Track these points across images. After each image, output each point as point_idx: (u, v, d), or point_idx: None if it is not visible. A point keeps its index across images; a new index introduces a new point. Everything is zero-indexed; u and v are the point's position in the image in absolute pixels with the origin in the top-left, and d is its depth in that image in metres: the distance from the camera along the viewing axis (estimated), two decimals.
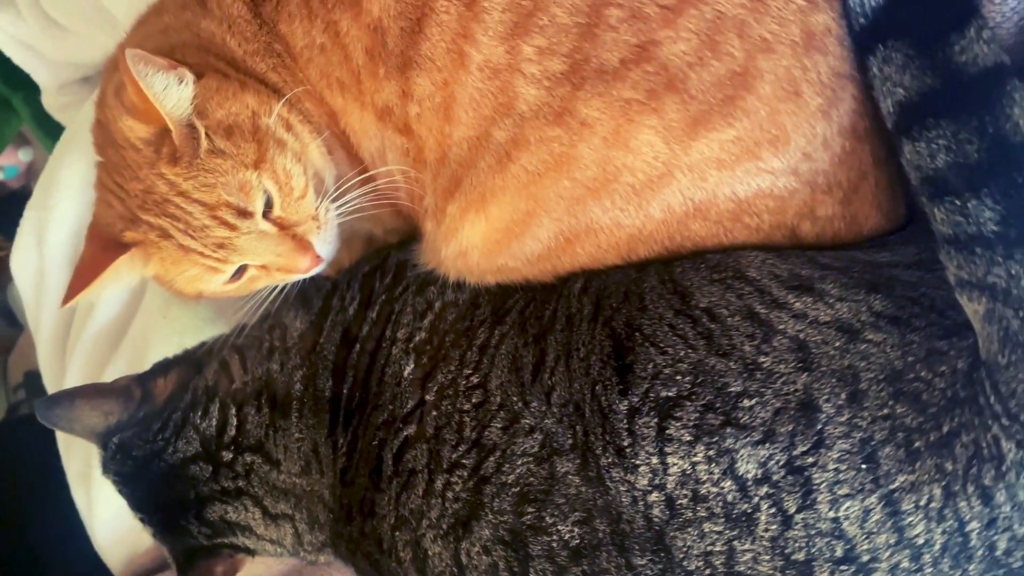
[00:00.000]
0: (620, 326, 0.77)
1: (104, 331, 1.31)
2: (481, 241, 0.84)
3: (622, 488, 0.72)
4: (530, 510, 0.76)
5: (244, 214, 0.85)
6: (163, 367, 0.98)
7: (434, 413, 0.85)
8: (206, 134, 0.84)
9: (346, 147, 0.93)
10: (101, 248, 0.90)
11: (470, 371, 0.85)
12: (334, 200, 0.91)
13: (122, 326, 1.30)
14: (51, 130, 1.96)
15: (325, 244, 0.91)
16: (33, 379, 2.65)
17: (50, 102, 1.55)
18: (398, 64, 0.81)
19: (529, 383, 0.81)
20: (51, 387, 1.45)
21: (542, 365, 0.81)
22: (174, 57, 0.86)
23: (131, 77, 0.79)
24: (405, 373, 0.87)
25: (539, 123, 0.77)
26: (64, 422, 0.94)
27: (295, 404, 0.92)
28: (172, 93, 0.82)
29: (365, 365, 0.91)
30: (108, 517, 1.31)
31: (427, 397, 0.86)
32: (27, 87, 1.90)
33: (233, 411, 0.91)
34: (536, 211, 0.80)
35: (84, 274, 0.89)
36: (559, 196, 0.79)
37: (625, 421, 0.72)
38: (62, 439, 1.38)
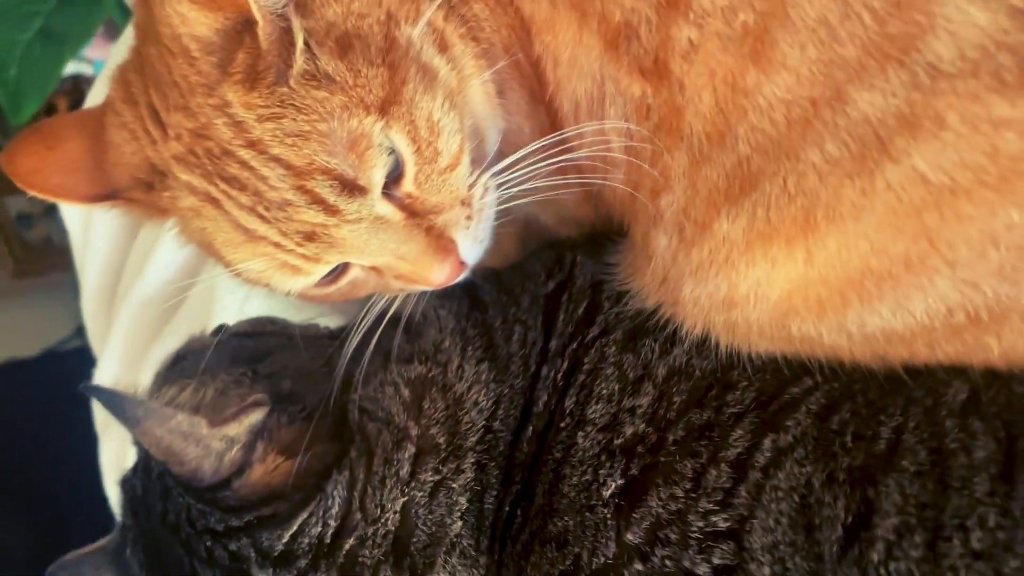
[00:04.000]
0: None
1: (157, 296, 1.00)
2: (782, 292, 0.47)
3: None
4: None
5: (353, 189, 0.51)
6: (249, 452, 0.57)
7: (639, 567, 0.49)
8: (306, 44, 0.49)
9: (528, 86, 0.57)
10: (97, 176, 0.58)
11: (713, 505, 0.49)
12: (499, 172, 0.55)
13: (178, 294, 0.98)
14: None
15: (475, 243, 0.57)
16: None
17: None
18: None
19: (833, 559, 0.44)
20: (96, 346, 1.22)
21: (867, 530, 0.44)
22: None
23: None
24: (605, 493, 0.51)
25: (973, 88, 0.38)
26: None
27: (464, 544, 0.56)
28: None
29: (533, 454, 0.56)
30: None
31: (630, 538, 0.50)
32: None
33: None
34: (928, 260, 0.42)
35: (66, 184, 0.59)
36: (991, 238, 0.40)
37: None
38: (99, 420, 1.10)
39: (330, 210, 0.51)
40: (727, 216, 0.47)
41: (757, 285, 0.47)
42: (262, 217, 0.52)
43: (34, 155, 0.59)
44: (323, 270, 0.55)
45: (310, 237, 0.52)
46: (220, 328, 0.71)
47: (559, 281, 0.62)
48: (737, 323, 0.50)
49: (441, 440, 0.55)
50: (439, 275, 0.55)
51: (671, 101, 0.47)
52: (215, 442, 0.53)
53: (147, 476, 0.59)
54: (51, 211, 2.64)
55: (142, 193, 0.57)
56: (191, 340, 0.67)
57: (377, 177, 0.51)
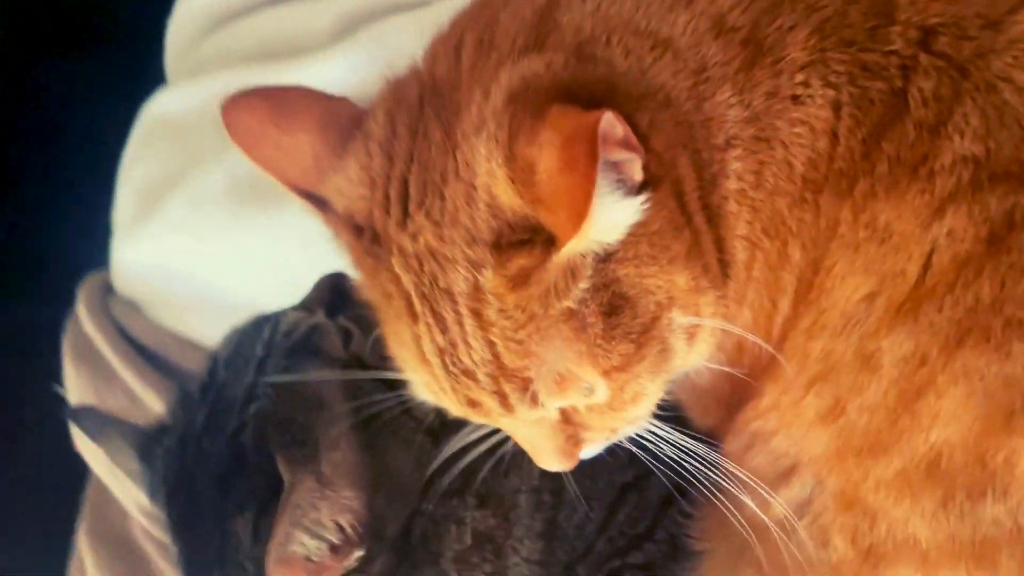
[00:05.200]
0: None
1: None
2: None
3: None
4: None
5: (536, 402, 0.51)
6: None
7: None
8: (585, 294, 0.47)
9: (720, 390, 0.58)
10: (312, 178, 0.55)
11: None
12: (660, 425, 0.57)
13: None
14: None
15: (595, 451, 0.59)
16: None
17: None
18: None
19: None
20: (171, 64, 1.10)
21: None
22: (632, 120, 0.47)
23: (576, 152, 0.42)
24: None
25: None
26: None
27: None
28: (615, 208, 0.46)
29: None
30: (144, 261, 1.05)
31: None
32: None
33: None
34: None
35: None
36: None
37: None
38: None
39: (506, 406, 0.52)
40: None
41: None
42: (444, 364, 0.52)
43: (258, 121, 0.54)
44: (461, 417, 0.56)
45: (473, 404, 0.53)
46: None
47: (636, 475, 0.66)
48: None
49: None
50: (553, 468, 0.57)
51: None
52: None
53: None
54: None
55: (346, 230, 0.55)
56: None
57: (557, 405, 0.52)
